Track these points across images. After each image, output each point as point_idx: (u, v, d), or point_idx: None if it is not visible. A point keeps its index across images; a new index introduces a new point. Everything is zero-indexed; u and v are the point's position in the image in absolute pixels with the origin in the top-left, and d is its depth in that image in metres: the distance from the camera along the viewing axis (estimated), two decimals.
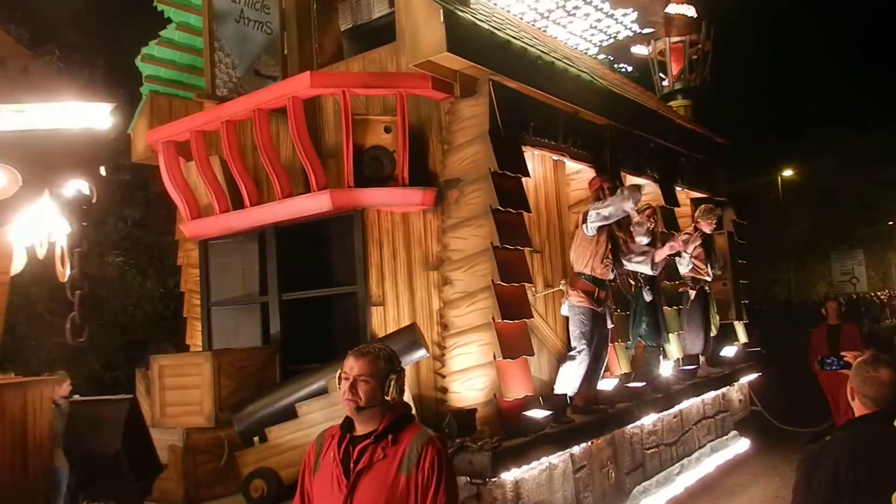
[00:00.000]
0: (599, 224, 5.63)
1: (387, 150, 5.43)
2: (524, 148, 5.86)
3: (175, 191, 6.06)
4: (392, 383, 2.52)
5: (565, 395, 5.51)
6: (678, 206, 7.92)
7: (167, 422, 4.96)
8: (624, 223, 5.98)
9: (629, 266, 6.39)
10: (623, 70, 10.68)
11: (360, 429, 2.54)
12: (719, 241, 8.76)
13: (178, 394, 4.94)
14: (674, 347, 7.69)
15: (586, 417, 5.77)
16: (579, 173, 6.96)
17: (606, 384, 6.15)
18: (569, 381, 5.62)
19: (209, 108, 5.82)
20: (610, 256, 5.69)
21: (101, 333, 10.68)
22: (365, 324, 5.30)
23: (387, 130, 5.42)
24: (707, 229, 7.62)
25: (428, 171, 5.61)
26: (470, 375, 5.23)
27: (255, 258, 6.08)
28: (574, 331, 5.70)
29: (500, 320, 5.10)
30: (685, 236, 7.24)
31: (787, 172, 27.33)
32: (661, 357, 7.14)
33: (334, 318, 5.84)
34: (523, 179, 5.69)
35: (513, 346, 5.18)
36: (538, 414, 5.01)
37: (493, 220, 5.23)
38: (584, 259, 5.70)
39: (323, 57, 6.47)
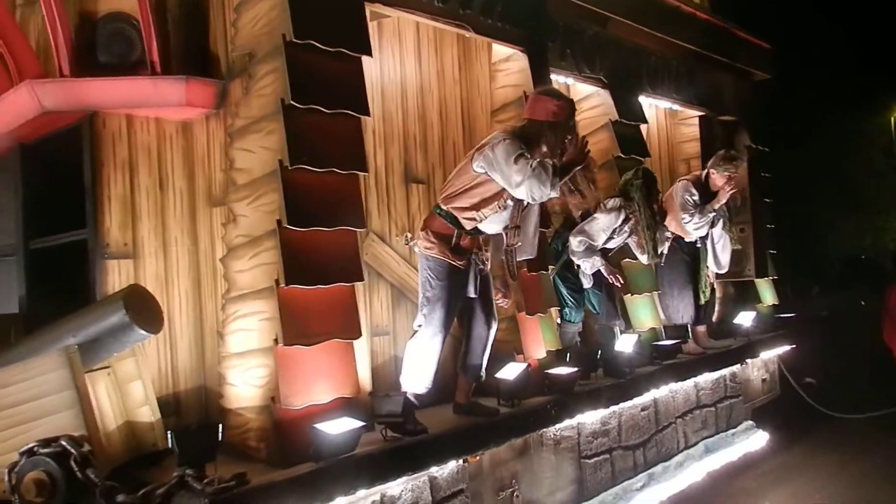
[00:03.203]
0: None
1: (136, 21, 3.56)
2: (380, 8, 3.84)
3: None
4: None
5: (404, 394, 3.57)
6: (645, 121, 5.71)
7: None
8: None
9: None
10: None
11: None
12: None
13: None
14: (645, 315, 5.60)
15: (466, 421, 3.88)
16: (509, 62, 4.84)
17: (510, 370, 4.20)
18: (415, 370, 3.67)
19: None
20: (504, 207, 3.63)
21: None
22: (94, 285, 3.52)
23: None
24: (720, 182, 5.47)
25: (208, 54, 3.72)
26: (248, 364, 3.41)
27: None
28: (419, 293, 3.74)
29: (285, 285, 3.23)
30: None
31: None
32: (616, 332, 5.10)
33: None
34: (366, 61, 3.71)
35: (311, 325, 3.28)
36: (336, 427, 3.14)
37: (282, 122, 3.31)
38: (459, 188, 3.66)
39: None
